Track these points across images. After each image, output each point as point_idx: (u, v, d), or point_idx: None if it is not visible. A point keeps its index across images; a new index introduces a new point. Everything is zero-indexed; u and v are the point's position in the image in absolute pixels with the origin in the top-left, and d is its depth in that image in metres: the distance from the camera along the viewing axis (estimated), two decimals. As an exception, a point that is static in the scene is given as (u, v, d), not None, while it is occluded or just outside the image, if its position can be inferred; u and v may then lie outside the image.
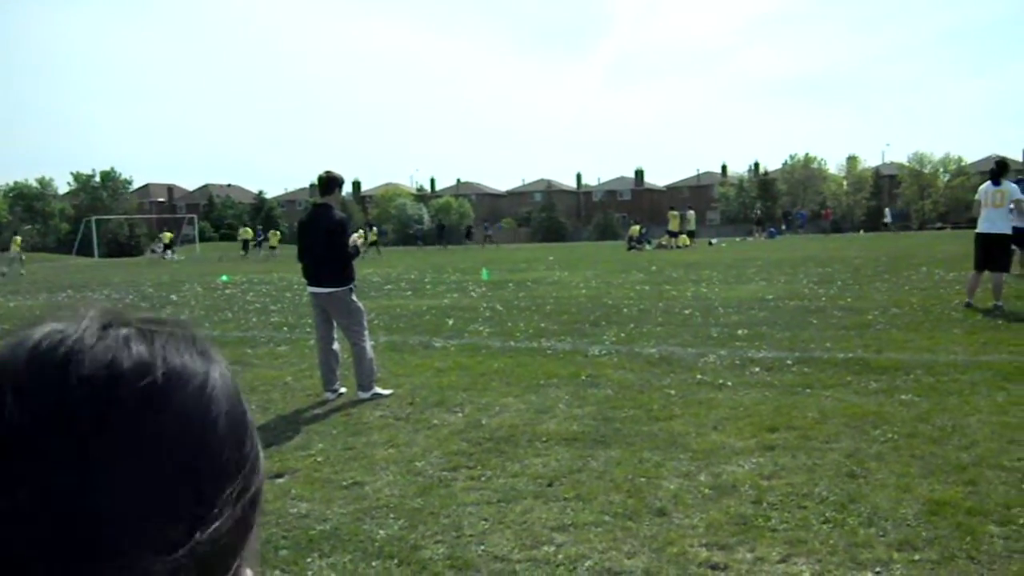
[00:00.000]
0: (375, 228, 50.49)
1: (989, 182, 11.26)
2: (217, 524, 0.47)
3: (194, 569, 0.46)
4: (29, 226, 73.17)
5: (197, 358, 0.50)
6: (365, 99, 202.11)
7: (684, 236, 39.40)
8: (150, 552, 0.44)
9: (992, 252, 10.97)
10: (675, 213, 39.70)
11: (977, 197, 11.44)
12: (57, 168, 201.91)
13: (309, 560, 3.84)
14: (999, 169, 11.23)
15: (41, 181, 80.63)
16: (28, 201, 77.03)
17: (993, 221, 11.05)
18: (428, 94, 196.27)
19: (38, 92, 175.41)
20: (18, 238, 43.30)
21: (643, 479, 4.70)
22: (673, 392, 6.78)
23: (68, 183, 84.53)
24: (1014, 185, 11.38)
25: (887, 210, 62.85)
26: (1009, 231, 11.17)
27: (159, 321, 0.51)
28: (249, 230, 52.62)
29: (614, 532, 3.98)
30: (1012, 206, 11.23)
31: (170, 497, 0.46)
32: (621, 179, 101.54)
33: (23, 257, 41.24)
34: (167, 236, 54.42)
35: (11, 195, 76.65)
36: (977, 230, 11.26)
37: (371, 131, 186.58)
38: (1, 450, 0.43)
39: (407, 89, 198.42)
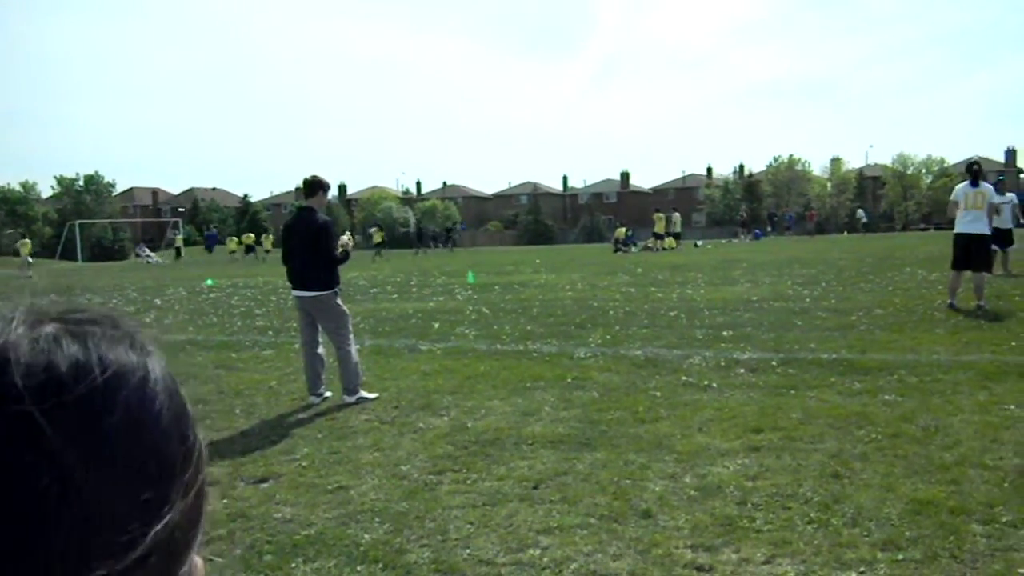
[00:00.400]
0: (380, 228, 50.02)
1: (967, 183, 11.37)
2: (170, 518, 0.47)
3: (152, 567, 0.46)
4: (12, 230, 72.67)
5: (132, 352, 0.48)
6: (351, 102, 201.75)
7: (670, 238, 39.52)
8: (108, 557, 0.43)
9: (973, 252, 11.08)
10: (660, 215, 39.81)
11: (953, 198, 11.55)
12: (41, 172, 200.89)
13: (293, 565, 3.82)
14: (978, 171, 11.35)
15: (24, 185, 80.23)
16: (11, 205, 76.52)
17: (972, 222, 11.16)
18: (414, 96, 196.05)
19: (22, 95, 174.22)
20: (28, 242, 43.19)
21: (628, 481, 4.70)
22: (658, 394, 6.80)
23: (52, 187, 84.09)
24: (990, 186, 11.50)
25: (860, 211, 62.23)
26: (988, 232, 11.28)
27: (87, 315, 0.49)
28: (252, 235, 52.39)
29: (599, 534, 3.98)
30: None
31: (122, 500, 0.44)
32: (607, 181, 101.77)
33: (31, 261, 41.13)
34: (180, 239, 55.27)
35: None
36: (957, 231, 11.36)
37: (357, 134, 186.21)
38: None
39: (393, 91, 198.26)
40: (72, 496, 0.42)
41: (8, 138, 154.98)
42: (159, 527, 0.46)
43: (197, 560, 0.52)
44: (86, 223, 66.07)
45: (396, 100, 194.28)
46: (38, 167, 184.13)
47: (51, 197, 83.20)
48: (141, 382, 0.47)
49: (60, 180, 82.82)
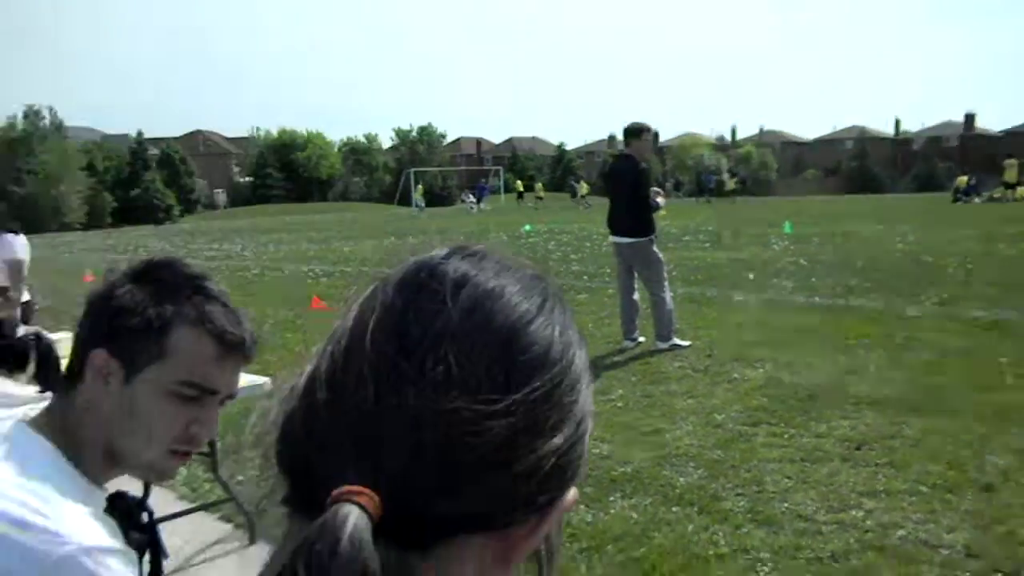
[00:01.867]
0: (585, 181, 49.34)
1: None
2: (515, 411, 0.50)
3: (508, 445, 0.50)
4: (357, 178, 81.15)
5: (502, 274, 0.57)
6: (668, 48, 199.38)
7: (1023, 188, 34.96)
8: (471, 401, 0.49)
9: None
10: (1013, 161, 35.25)
11: None
12: (380, 125, 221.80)
13: (611, 499, 4.01)
14: None
15: (368, 137, 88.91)
16: (358, 155, 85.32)
17: None
18: (741, 39, 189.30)
19: (381, 58, 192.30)
20: (420, 187, 49.83)
21: (966, 452, 4.34)
22: (1005, 360, 6.13)
23: (391, 138, 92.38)
24: None
25: None
26: None
27: (471, 248, 0.60)
28: (585, 184, 49.73)
29: (931, 503, 3.74)
30: None
31: (477, 365, 0.51)
32: (947, 124, 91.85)
33: (422, 205, 48.91)
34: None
35: (345, 149, 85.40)
36: None
37: (671, 80, 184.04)
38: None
39: (714, 33, 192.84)
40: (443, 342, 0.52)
41: (357, 96, 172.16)
42: (507, 407, 0.50)
43: (571, 491, 0.57)
44: (420, 171, 71.98)
45: (718, 43, 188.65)
46: (376, 122, 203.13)
47: (390, 148, 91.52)
48: (509, 294, 0.55)
49: (398, 132, 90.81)
